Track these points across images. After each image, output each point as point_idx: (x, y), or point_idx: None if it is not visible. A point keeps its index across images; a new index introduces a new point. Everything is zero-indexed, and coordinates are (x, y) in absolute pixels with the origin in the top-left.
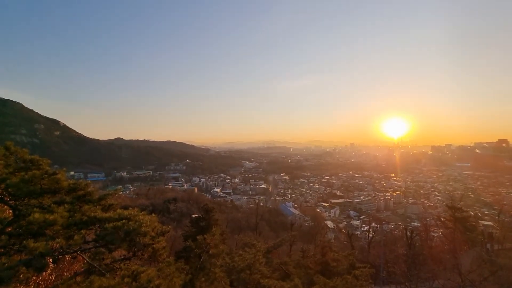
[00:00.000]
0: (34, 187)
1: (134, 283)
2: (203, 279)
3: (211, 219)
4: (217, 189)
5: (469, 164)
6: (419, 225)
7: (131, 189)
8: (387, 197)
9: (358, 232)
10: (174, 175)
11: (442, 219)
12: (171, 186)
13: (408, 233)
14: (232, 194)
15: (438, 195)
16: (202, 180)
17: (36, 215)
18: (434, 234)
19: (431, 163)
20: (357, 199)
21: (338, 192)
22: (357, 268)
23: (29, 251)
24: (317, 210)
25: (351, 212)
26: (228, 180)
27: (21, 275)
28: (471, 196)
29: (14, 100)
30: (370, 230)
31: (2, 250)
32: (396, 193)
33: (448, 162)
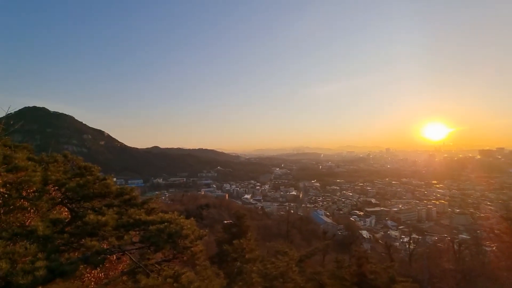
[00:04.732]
0: (87, 191)
1: (175, 284)
2: (240, 283)
3: (243, 226)
4: (248, 196)
5: None
6: (468, 237)
7: (167, 195)
8: (429, 206)
9: (397, 244)
10: (206, 181)
11: (496, 231)
12: (203, 193)
13: (456, 246)
14: (262, 201)
15: (489, 205)
16: (233, 187)
17: (91, 217)
18: (486, 248)
19: (479, 169)
20: (395, 207)
21: (373, 200)
22: (398, 282)
23: (87, 248)
24: (351, 218)
25: (389, 222)
26: (258, 187)
27: (77, 271)
28: None
29: (67, 114)
30: (411, 241)
31: (64, 247)
32: (440, 202)
33: (500, 168)
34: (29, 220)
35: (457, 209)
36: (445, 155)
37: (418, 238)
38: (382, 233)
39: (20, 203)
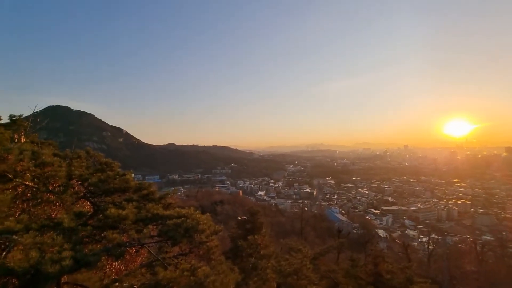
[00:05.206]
0: (108, 186)
1: (192, 277)
2: (255, 278)
3: (257, 222)
4: (261, 193)
5: None
6: (492, 239)
7: (182, 191)
8: (449, 206)
9: (415, 243)
10: (220, 178)
11: None
12: (217, 189)
13: (479, 248)
14: (276, 197)
15: None
16: (247, 183)
17: (112, 211)
18: None
19: (506, 167)
20: (413, 206)
21: (390, 199)
22: (416, 283)
23: (108, 241)
24: (367, 217)
25: (406, 221)
26: (272, 184)
27: (100, 262)
28: None
29: (88, 112)
30: (430, 241)
31: (87, 239)
32: (461, 201)
33: None
34: (55, 213)
35: (481, 209)
36: (468, 152)
37: (438, 238)
38: (399, 232)
39: (47, 196)
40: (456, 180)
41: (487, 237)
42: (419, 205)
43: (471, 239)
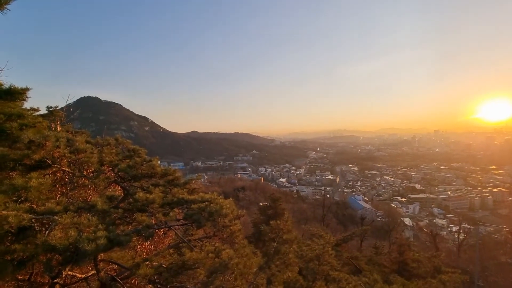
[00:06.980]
0: (136, 171)
1: (216, 259)
2: (277, 262)
3: (278, 208)
4: (283, 180)
5: None
6: None
7: (205, 177)
8: (484, 194)
9: (444, 233)
10: (242, 165)
11: None
12: (239, 176)
13: None
14: (297, 184)
15: None
16: (268, 170)
17: (141, 194)
18: None
19: None
20: (442, 194)
21: (417, 186)
22: (444, 273)
23: (138, 222)
24: (392, 205)
25: (435, 210)
26: (293, 171)
27: (131, 242)
28: None
29: (116, 102)
30: (461, 231)
31: (119, 221)
32: (498, 190)
33: None
34: (90, 196)
35: None
36: (508, 137)
37: (470, 228)
38: (427, 221)
39: (82, 181)
40: (493, 167)
41: None
42: (449, 193)
43: (507, 229)
